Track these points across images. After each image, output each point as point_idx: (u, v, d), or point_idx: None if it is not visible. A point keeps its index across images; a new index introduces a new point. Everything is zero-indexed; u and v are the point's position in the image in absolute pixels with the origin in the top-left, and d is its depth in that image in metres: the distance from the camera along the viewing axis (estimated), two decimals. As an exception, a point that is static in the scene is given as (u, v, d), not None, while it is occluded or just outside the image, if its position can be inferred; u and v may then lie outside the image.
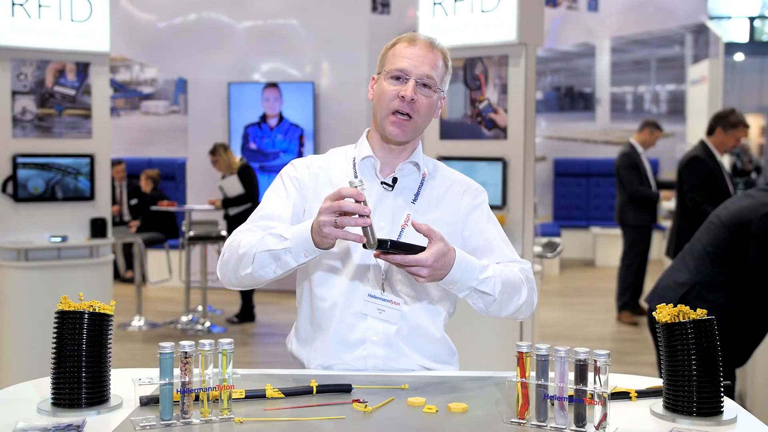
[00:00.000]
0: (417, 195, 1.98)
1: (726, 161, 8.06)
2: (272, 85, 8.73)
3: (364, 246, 1.66)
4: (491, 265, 1.88)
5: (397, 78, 1.90)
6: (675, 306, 1.64)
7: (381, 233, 1.91)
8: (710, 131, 5.21)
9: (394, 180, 1.98)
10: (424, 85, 1.90)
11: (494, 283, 1.84)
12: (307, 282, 1.99)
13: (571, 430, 1.52)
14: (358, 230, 1.66)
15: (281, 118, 8.73)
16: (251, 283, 1.88)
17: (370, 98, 1.98)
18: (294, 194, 1.98)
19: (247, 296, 7.15)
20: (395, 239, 1.75)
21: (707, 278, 3.17)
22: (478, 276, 1.81)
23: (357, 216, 1.63)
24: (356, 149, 2.03)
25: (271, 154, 8.78)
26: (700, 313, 1.62)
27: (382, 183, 1.98)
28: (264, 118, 8.77)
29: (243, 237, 1.89)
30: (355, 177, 1.74)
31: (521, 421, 1.57)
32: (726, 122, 5.18)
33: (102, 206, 4.98)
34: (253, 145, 8.79)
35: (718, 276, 3.15)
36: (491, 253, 1.97)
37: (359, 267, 1.94)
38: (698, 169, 5.07)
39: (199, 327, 6.83)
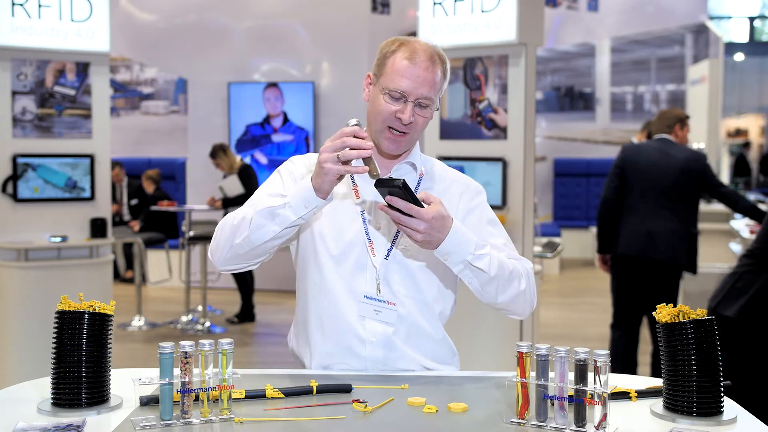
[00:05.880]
0: None
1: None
2: (272, 85, 8.73)
3: (371, 175, 1.74)
4: (489, 246, 1.87)
5: (396, 98, 1.87)
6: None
7: (377, 233, 1.94)
8: (670, 129, 4.95)
9: None
10: (421, 105, 1.88)
11: (490, 261, 1.83)
12: (304, 283, 1.99)
13: (571, 430, 1.52)
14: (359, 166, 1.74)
15: (285, 119, 8.72)
16: (246, 253, 1.85)
17: (366, 99, 1.96)
18: (290, 185, 1.95)
19: (247, 296, 7.15)
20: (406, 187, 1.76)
21: (754, 266, 3.33)
22: (473, 251, 1.81)
23: (359, 149, 1.71)
24: None
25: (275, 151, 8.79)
26: (700, 313, 1.62)
27: None
28: (267, 119, 8.77)
29: (237, 212, 1.88)
30: (355, 122, 1.75)
31: (521, 421, 1.57)
32: (683, 120, 4.95)
33: (102, 206, 4.98)
34: (249, 138, 8.78)
35: (762, 259, 3.32)
36: None
37: (355, 268, 1.93)
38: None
39: (199, 327, 6.83)
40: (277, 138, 8.72)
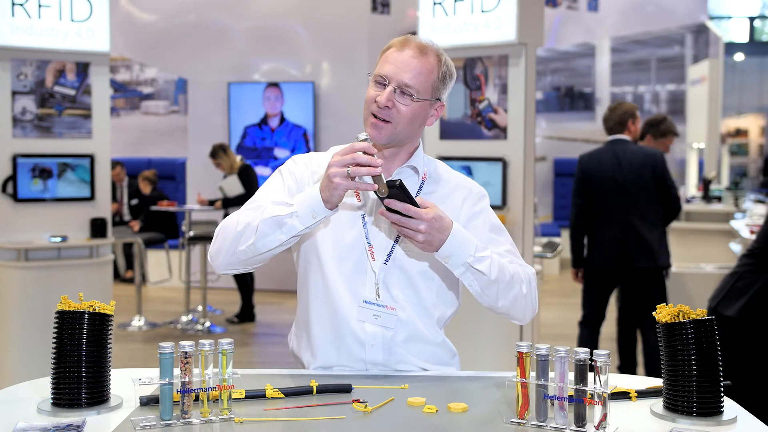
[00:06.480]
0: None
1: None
2: (273, 85, 8.74)
3: (376, 193, 1.75)
4: (490, 249, 1.87)
5: (380, 83, 1.88)
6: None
7: (377, 238, 1.93)
8: (642, 137, 5.10)
9: None
10: (403, 93, 1.86)
11: (490, 264, 1.83)
12: (305, 286, 1.99)
13: (571, 430, 1.52)
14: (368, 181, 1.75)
15: (282, 119, 8.73)
16: (249, 258, 1.85)
17: None
18: (292, 186, 1.96)
19: (247, 296, 7.15)
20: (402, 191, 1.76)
21: (754, 265, 3.33)
22: (473, 253, 1.81)
23: (369, 166, 1.71)
24: None
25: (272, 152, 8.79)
26: (700, 313, 1.62)
27: None
28: (265, 119, 8.77)
29: (240, 215, 1.87)
30: (365, 137, 1.75)
31: (521, 421, 1.57)
32: (656, 130, 5.06)
33: (102, 206, 4.98)
34: (249, 144, 8.79)
35: (762, 259, 3.31)
36: None
37: (354, 273, 1.92)
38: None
39: (199, 327, 6.83)
40: (279, 153, 8.73)
